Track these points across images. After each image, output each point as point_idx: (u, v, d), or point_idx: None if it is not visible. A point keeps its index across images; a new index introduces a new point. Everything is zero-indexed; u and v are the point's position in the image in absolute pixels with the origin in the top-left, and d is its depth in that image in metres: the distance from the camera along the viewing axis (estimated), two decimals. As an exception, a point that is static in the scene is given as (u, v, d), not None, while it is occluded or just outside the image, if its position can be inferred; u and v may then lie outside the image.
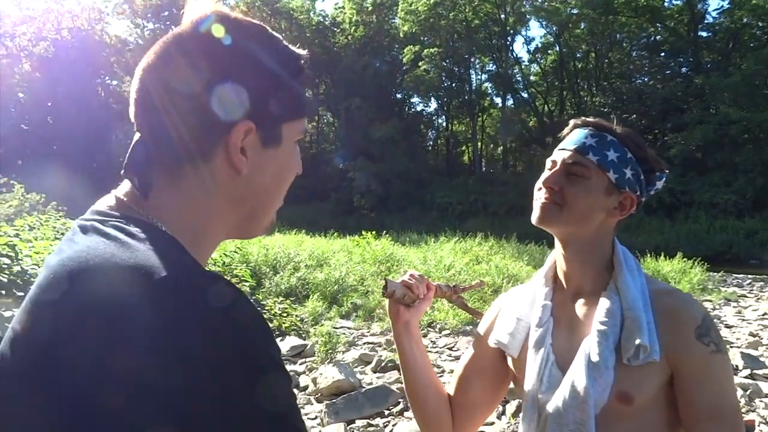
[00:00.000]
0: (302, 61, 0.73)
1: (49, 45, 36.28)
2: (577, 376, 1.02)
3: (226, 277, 6.68)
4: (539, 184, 1.12)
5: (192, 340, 0.50)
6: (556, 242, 1.16)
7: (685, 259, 12.26)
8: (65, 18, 37.14)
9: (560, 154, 1.12)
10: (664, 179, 1.17)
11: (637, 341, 0.98)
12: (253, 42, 0.67)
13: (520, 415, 1.17)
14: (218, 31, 0.65)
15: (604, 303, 1.06)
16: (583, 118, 1.16)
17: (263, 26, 0.70)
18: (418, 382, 1.22)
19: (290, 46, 0.72)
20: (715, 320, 7.71)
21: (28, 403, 0.53)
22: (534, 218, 1.12)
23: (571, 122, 1.17)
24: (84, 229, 0.62)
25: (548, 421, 1.04)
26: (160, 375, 0.49)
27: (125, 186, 0.67)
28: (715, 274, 13.05)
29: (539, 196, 1.11)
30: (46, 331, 0.54)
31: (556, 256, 1.18)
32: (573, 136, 1.13)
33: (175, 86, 0.63)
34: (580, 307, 1.12)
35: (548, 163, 1.14)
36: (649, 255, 12.76)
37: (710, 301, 9.78)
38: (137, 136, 0.66)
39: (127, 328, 0.51)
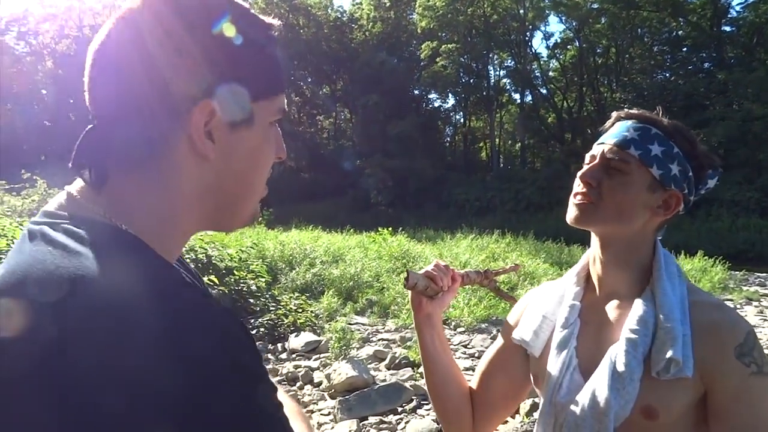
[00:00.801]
0: (272, 31, 0.65)
1: (71, 42, 36.85)
2: (599, 385, 0.96)
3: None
4: (577, 178, 1.05)
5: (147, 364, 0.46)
6: (593, 241, 1.09)
7: (706, 258, 12.08)
8: (87, 15, 37.67)
9: (599, 148, 1.05)
10: (717, 177, 1.08)
11: (669, 354, 0.91)
12: (210, 11, 0.59)
13: (535, 414, 1.13)
14: (168, 2, 0.58)
15: (637, 309, 0.99)
16: (627, 110, 1.08)
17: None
18: (438, 376, 1.19)
19: (259, 14, 0.64)
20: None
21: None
22: (569, 218, 1.04)
23: (614, 114, 1.09)
24: (32, 236, 0.55)
25: (563, 429, 1.00)
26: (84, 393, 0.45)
27: (79, 181, 0.61)
28: (737, 272, 12.83)
29: (575, 193, 1.05)
30: None
31: (591, 255, 1.11)
32: (614, 129, 1.05)
33: (126, 66, 0.57)
34: (611, 312, 1.05)
35: (587, 158, 1.07)
36: (669, 253, 12.59)
37: (731, 300, 9.62)
38: (89, 129, 0.60)
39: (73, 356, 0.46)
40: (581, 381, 1.01)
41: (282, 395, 0.75)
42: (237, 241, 9.74)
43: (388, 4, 41.79)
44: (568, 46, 38.68)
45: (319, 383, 4.88)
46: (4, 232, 4.48)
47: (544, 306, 1.14)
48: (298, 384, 4.93)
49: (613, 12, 32.59)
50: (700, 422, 0.95)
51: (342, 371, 4.73)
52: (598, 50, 37.17)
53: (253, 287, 7.23)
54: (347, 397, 4.29)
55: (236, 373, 0.49)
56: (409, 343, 5.84)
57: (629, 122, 1.05)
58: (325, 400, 4.56)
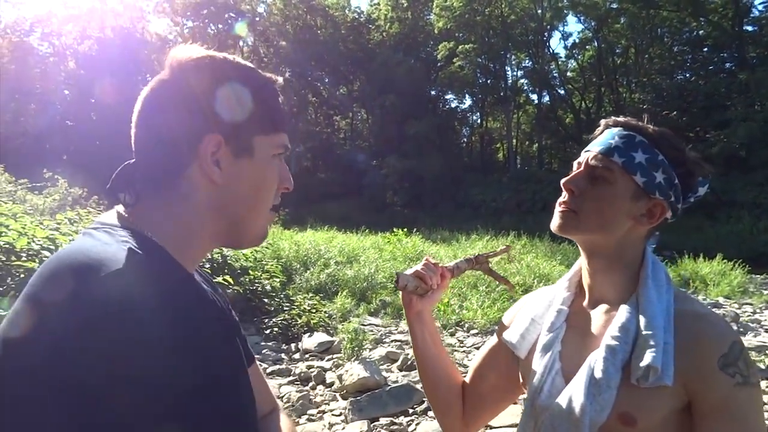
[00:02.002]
0: (272, 83, 0.81)
1: (93, 43, 37.38)
2: (576, 390, 0.96)
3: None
4: (562, 184, 1.06)
5: (146, 332, 0.59)
6: (581, 252, 1.10)
7: (725, 261, 11.90)
8: (108, 17, 38.18)
9: (585, 156, 1.06)
10: (707, 185, 1.07)
11: (647, 361, 0.91)
12: (223, 73, 0.76)
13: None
14: (193, 71, 0.75)
15: (620, 317, 0.99)
16: (614, 117, 1.08)
17: (238, 61, 0.79)
18: (430, 369, 1.23)
19: (264, 73, 0.81)
20: (754, 324, 7.46)
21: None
22: (552, 226, 1.06)
23: (602, 122, 1.10)
24: (84, 234, 0.72)
25: (540, 431, 1.01)
26: (129, 358, 0.56)
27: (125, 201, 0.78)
28: (758, 276, 12.64)
29: (559, 201, 1.06)
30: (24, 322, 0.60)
31: (581, 264, 1.13)
32: (601, 137, 1.06)
33: (154, 113, 0.75)
34: (597, 318, 1.06)
35: (574, 165, 1.08)
36: (687, 256, 12.44)
37: (750, 304, 9.48)
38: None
39: (77, 321, 0.57)
40: (562, 385, 1.01)
41: (282, 418, 0.98)
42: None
43: (405, 5, 41.76)
44: (587, 46, 38.32)
45: (332, 384, 4.92)
46: (25, 230, 4.57)
47: (533, 309, 1.16)
48: (310, 384, 4.97)
49: (632, 12, 32.22)
50: (685, 430, 0.94)
51: (354, 372, 4.76)
52: (617, 50, 36.80)
53: (268, 287, 7.30)
54: (359, 398, 4.33)
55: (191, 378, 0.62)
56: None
57: (615, 130, 1.05)
58: (337, 400, 4.60)
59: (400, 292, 1.22)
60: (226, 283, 6.20)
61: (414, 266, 1.21)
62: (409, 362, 5.34)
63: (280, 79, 0.83)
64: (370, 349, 5.81)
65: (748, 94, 27.32)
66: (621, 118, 1.07)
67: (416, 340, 1.22)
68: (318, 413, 4.35)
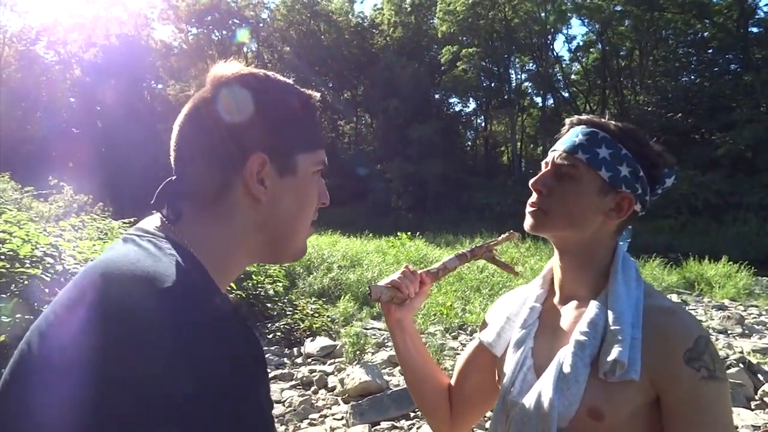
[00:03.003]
0: (312, 100, 0.81)
1: (98, 51, 37.66)
2: (545, 386, 0.98)
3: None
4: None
5: (201, 348, 0.58)
6: (554, 249, 1.12)
7: (731, 263, 11.83)
8: (113, 24, 38.49)
9: (551, 155, 1.08)
10: (674, 176, 1.09)
11: (614, 356, 0.92)
12: (266, 90, 0.76)
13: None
14: (236, 89, 0.75)
15: (589, 312, 1.00)
16: (578, 116, 1.11)
17: (279, 78, 0.80)
18: (414, 374, 1.24)
19: (301, 88, 0.81)
20: (759, 327, 7.40)
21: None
22: (525, 226, 1.08)
23: (567, 121, 1.12)
24: (125, 240, 0.72)
25: (511, 427, 1.02)
26: (167, 380, 0.55)
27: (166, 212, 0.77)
28: (764, 278, 12.54)
29: (529, 201, 1.08)
30: (64, 327, 0.60)
31: (553, 261, 1.14)
32: (566, 136, 1.08)
33: (197, 133, 0.75)
34: (568, 314, 1.07)
35: (542, 165, 1.10)
36: (693, 258, 12.38)
37: (756, 306, 9.42)
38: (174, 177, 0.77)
39: (135, 331, 0.57)
40: (534, 380, 1.03)
41: None
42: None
43: (408, 9, 41.89)
44: (591, 49, 38.31)
45: (333, 388, 4.92)
46: (29, 237, 4.59)
47: (509, 308, 1.18)
48: (312, 388, 4.97)
49: (636, 14, 32.20)
50: (653, 426, 0.95)
51: (356, 376, 4.76)
52: (622, 53, 36.77)
53: (271, 292, 7.31)
54: (360, 402, 4.32)
55: (237, 402, 0.59)
56: (423, 349, 5.85)
57: (579, 128, 1.07)
58: (339, 404, 4.60)
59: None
60: (228, 288, 6.21)
61: (391, 275, 1.21)
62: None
63: (318, 95, 0.82)
64: (372, 353, 5.80)
65: (754, 96, 27.22)
66: (584, 116, 1.09)
67: (398, 347, 1.23)
68: (320, 417, 4.35)
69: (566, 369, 0.96)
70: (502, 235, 1.32)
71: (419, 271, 1.22)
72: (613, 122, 1.07)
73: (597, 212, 1.03)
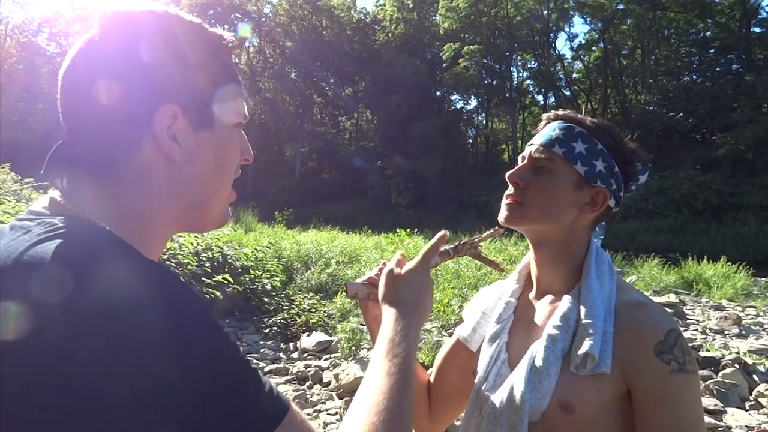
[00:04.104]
0: (224, 41, 0.70)
1: (99, 43, 37.65)
2: (517, 379, 0.99)
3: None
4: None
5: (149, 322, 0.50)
6: (530, 243, 1.12)
7: (729, 264, 11.82)
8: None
9: (528, 149, 1.09)
10: (647, 173, 1.10)
11: (585, 349, 0.93)
12: (172, 31, 0.65)
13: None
14: (134, 30, 0.64)
15: (562, 307, 1.02)
16: (554, 111, 1.12)
17: (184, 16, 0.68)
18: None
19: (210, 28, 0.69)
20: (756, 327, 7.40)
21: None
22: (500, 218, 1.09)
23: (544, 116, 1.13)
24: (12, 228, 0.59)
25: (484, 420, 1.02)
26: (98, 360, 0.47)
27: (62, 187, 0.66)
28: (762, 279, 12.55)
29: (506, 194, 1.09)
30: None
31: (529, 256, 1.15)
32: (543, 131, 1.10)
33: (90, 83, 0.62)
34: (542, 309, 1.08)
35: (519, 159, 1.11)
36: (691, 258, 12.37)
37: (754, 307, 9.41)
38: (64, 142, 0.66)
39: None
40: (507, 374, 1.04)
41: None
42: (255, 240, 9.86)
43: (411, 6, 41.79)
44: (593, 48, 38.24)
45: (328, 383, 4.93)
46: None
47: (485, 303, 1.20)
48: (307, 383, 4.98)
49: (638, 13, 32.14)
50: (625, 419, 0.96)
51: (351, 371, 4.77)
52: (624, 51, 36.69)
53: (268, 286, 7.32)
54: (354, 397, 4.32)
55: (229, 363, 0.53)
56: (419, 345, 5.85)
57: (556, 123, 1.09)
58: (333, 399, 4.60)
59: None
60: (225, 282, 6.22)
61: (369, 272, 1.21)
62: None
63: (232, 35, 0.71)
64: (368, 349, 5.80)
65: (755, 96, 27.15)
66: (561, 111, 1.11)
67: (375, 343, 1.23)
68: (314, 412, 4.35)
69: (538, 362, 0.97)
70: (487, 232, 1.30)
71: None
72: (590, 118, 1.08)
73: (572, 206, 1.05)
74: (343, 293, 7.77)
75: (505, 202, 1.09)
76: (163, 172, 0.64)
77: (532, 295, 1.13)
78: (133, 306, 0.50)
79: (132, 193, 0.64)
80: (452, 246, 1.27)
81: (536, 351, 0.99)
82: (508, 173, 1.08)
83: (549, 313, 1.06)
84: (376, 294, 1.16)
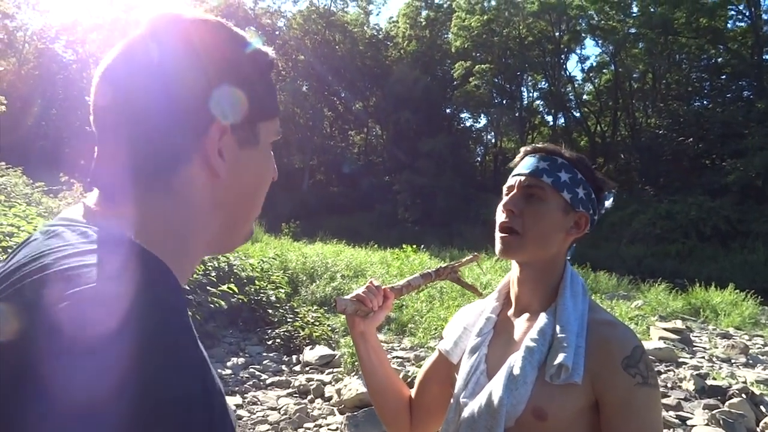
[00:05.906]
0: (270, 59, 0.69)
1: (115, 51, 38.10)
2: (495, 386, 1.06)
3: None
4: (500, 208, 1.16)
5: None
6: (513, 264, 1.20)
7: (737, 291, 11.70)
8: (132, 27, 38.88)
9: (516, 179, 1.17)
10: (612, 198, 1.22)
11: (559, 360, 1.01)
12: (218, 41, 0.64)
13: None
14: (179, 34, 0.62)
15: (539, 322, 1.10)
16: (533, 145, 1.22)
17: (225, 24, 0.66)
18: (376, 385, 1.30)
19: (256, 44, 0.68)
20: (764, 357, 7.29)
21: None
22: (497, 251, 1.15)
23: (522, 150, 1.23)
24: (46, 233, 0.58)
25: (462, 425, 1.09)
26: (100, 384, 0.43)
27: (95, 195, 0.63)
28: (770, 308, 12.41)
29: (500, 223, 1.15)
30: None
31: (512, 275, 1.22)
32: (525, 162, 1.18)
33: (141, 92, 0.60)
34: (521, 324, 1.16)
35: (505, 189, 1.19)
36: (698, 284, 12.26)
37: (761, 336, 9.29)
38: (101, 146, 0.63)
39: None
40: (486, 383, 1.11)
41: None
42: (262, 252, 9.88)
43: (423, 23, 42.16)
44: (604, 70, 38.33)
45: (330, 398, 4.90)
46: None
47: (466, 319, 1.28)
48: (308, 397, 4.96)
49: (650, 37, 32.23)
50: (593, 427, 1.03)
51: (353, 387, 4.74)
52: (635, 75, 36.74)
53: (273, 298, 7.32)
54: (356, 413, 4.30)
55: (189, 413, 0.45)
56: (422, 362, 5.82)
57: (537, 155, 1.19)
58: (334, 414, 4.58)
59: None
60: (230, 292, 6.22)
61: (357, 289, 1.29)
62: (409, 380, 5.30)
63: (272, 51, 0.70)
64: (371, 365, 5.78)
65: (766, 124, 27.05)
66: (540, 145, 1.21)
67: (362, 358, 1.29)
68: (314, 427, 4.33)
69: (516, 371, 1.05)
70: (467, 257, 1.41)
71: (383, 287, 1.30)
72: (568, 151, 1.19)
73: (561, 230, 1.14)
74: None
75: (499, 235, 1.15)
76: (207, 187, 0.63)
77: (510, 312, 1.21)
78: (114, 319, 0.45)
79: (174, 205, 0.61)
80: (434, 269, 1.36)
81: (514, 361, 1.07)
82: (501, 203, 1.16)
83: (527, 328, 1.13)
84: (364, 310, 1.26)
